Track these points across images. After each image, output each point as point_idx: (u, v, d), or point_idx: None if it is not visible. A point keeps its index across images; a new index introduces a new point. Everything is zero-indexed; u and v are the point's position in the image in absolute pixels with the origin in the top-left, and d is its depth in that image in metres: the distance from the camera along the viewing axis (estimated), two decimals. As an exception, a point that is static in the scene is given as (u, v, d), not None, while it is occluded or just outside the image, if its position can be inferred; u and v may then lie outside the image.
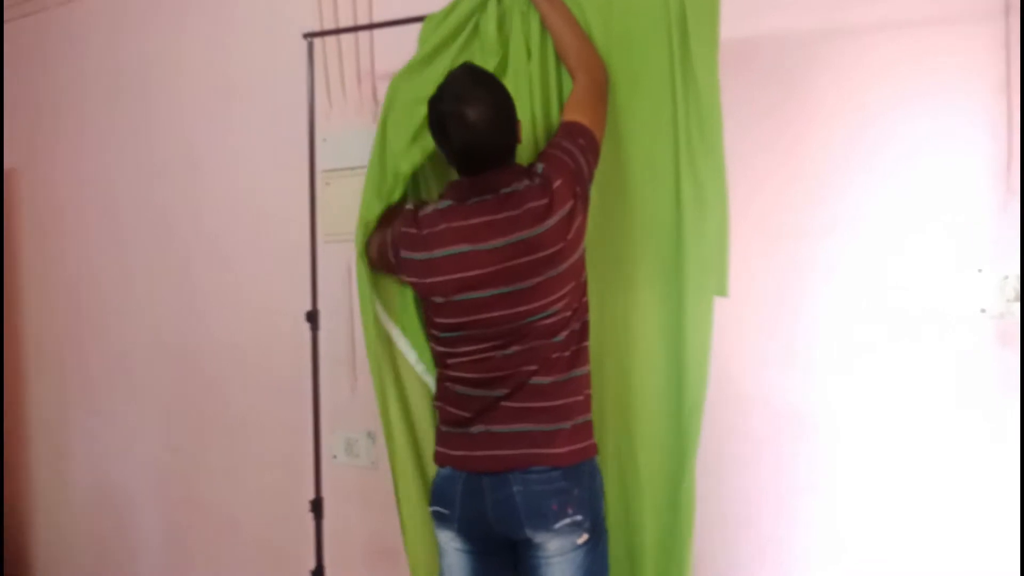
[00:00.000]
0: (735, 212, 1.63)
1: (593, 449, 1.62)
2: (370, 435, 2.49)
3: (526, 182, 1.54)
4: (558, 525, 1.53)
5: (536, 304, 1.53)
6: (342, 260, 2.38)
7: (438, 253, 1.57)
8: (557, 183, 1.52)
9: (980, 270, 1.70)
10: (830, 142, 1.84)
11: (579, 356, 1.61)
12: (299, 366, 2.21)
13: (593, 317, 1.67)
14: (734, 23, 1.68)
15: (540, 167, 1.56)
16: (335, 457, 2.55)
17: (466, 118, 1.49)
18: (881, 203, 1.80)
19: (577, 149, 1.56)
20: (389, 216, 1.78)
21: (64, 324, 3.41)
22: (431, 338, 1.71)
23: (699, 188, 1.60)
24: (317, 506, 2.13)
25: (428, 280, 1.60)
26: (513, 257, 1.51)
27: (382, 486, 2.07)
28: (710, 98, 1.57)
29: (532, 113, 1.74)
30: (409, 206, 1.69)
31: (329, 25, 2.43)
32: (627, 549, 1.75)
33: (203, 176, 2.88)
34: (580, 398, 1.60)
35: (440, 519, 1.65)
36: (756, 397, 1.92)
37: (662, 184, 1.65)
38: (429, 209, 1.62)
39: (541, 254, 1.51)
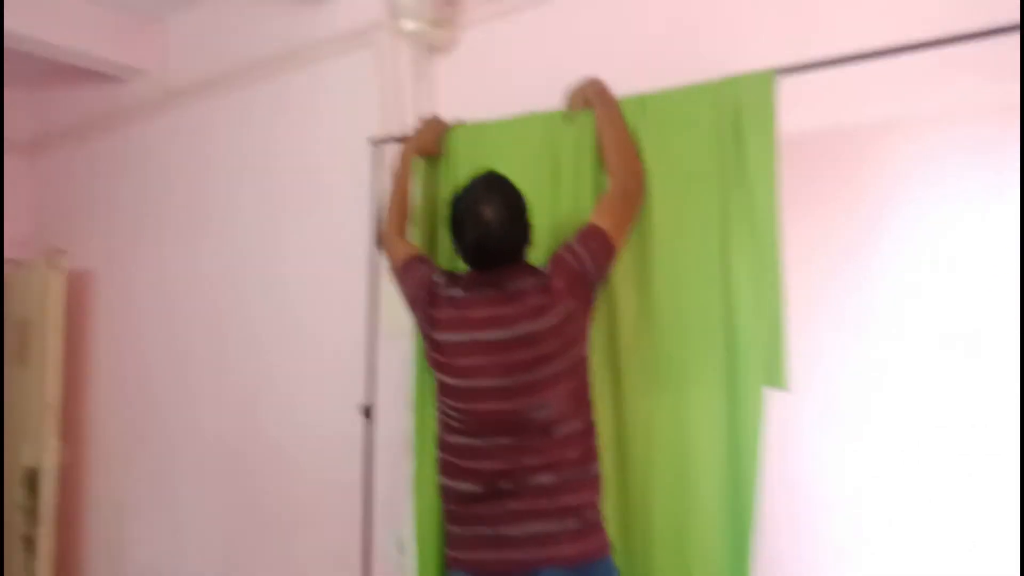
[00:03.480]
0: (797, 305, 1.61)
1: (607, 547, 1.60)
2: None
3: (531, 280, 1.61)
4: None
5: (533, 399, 1.57)
6: (399, 355, 2.42)
7: (445, 337, 1.64)
8: (559, 284, 1.58)
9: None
10: (884, 231, 1.83)
11: (586, 455, 1.61)
12: (354, 462, 2.21)
13: (642, 418, 1.69)
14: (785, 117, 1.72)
15: (543, 268, 1.64)
16: (393, 554, 2.50)
17: (481, 217, 1.59)
18: (936, 300, 1.76)
19: (587, 252, 1.61)
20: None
21: (130, 419, 3.51)
22: (439, 413, 1.72)
23: (755, 283, 1.60)
24: (368, 606, 2.09)
25: (439, 357, 1.66)
26: (512, 351, 1.57)
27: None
28: (766, 191, 1.59)
29: (556, 219, 1.82)
30: (437, 277, 1.74)
31: (394, 131, 2.56)
32: None
33: (277, 274, 2.99)
34: (590, 497, 1.59)
35: None
36: (828, 503, 1.84)
37: (710, 281, 1.66)
38: (443, 293, 1.68)
39: (538, 351, 1.56)
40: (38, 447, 3.32)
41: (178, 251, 3.37)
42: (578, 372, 1.62)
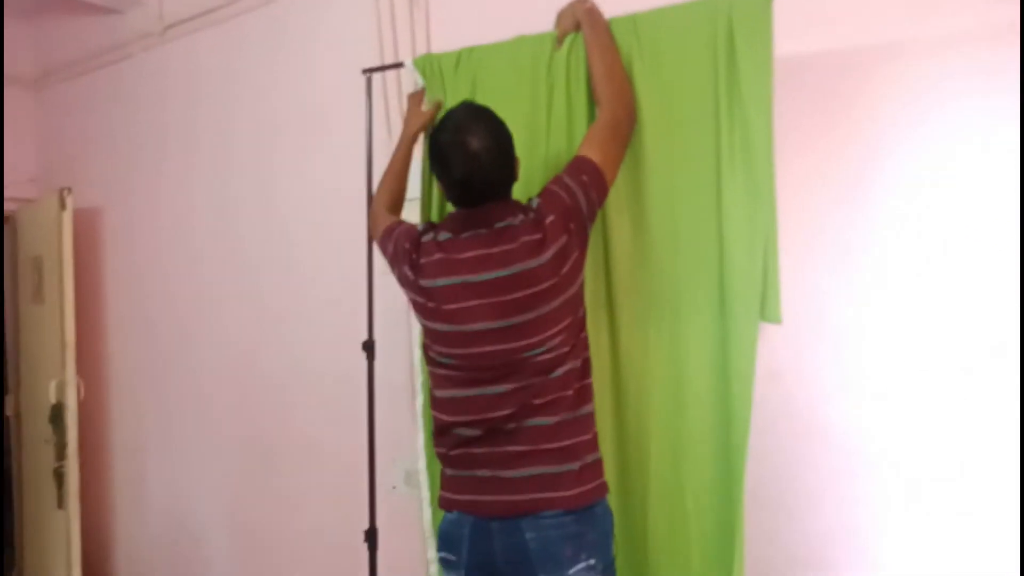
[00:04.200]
0: (792, 239, 1.56)
1: (604, 489, 1.57)
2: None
3: (521, 217, 1.53)
4: (572, 570, 1.48)
5: (532, 340, 1.50)
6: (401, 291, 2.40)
7: (432, 283, 1.57)
8: (550, 219, 1.51)
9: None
10: (887, 161, 1.76)
11: (582, 394, 1.56)
12: (359, 395, 2.22)
13: (638, 350, 1.66)
14: (781, 42, 1.63)
15: (536, 202, 1.55)
16: (395, 488, 2.54)
17: (467, 148, 1.50)
18: (946, 222, 1.70)
19: (578, 186, 1.54)
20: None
21: (143, 352, 3.57)
22: (429, 362, 1.67)
23: (748, 214, 1.54)
24: (372, 536, 2.12)
25: (426, 303, 1.58)
26: (508, 291, 1.50)
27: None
28: (760, 118, 1.52)
29: (550, 150, 1.75)
30: (418, 225, 1.69)
31: (389, 60, 2.48)
32: None
33: (274, 209, 2.98)
34: (587, 437, 1.56)
35: (447, 566, 1.61)
36: (826, 431, 1.82)
37: (705, 212, 1.61)
38: (428, 237, 1.62)
39: (536, 288, 1.49)
40: (60, 384, 3.39)
41: (177, 185, 3.36)
42: (574, 309, 1.56)
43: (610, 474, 1.64)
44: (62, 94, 3.94)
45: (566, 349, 1.53)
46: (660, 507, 1.68)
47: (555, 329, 1.51)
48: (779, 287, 1.54)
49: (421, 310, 1.61)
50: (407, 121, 1.99)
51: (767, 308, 1.54)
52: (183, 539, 3.39)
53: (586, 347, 1.60)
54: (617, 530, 1.61)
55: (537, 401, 1.52)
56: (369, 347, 2.17)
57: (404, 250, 1.64)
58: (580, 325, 1.59)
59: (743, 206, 1.55)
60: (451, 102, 1.81)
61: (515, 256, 1.49)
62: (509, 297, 1.49)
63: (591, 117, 1.71)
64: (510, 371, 1.53)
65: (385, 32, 2.52)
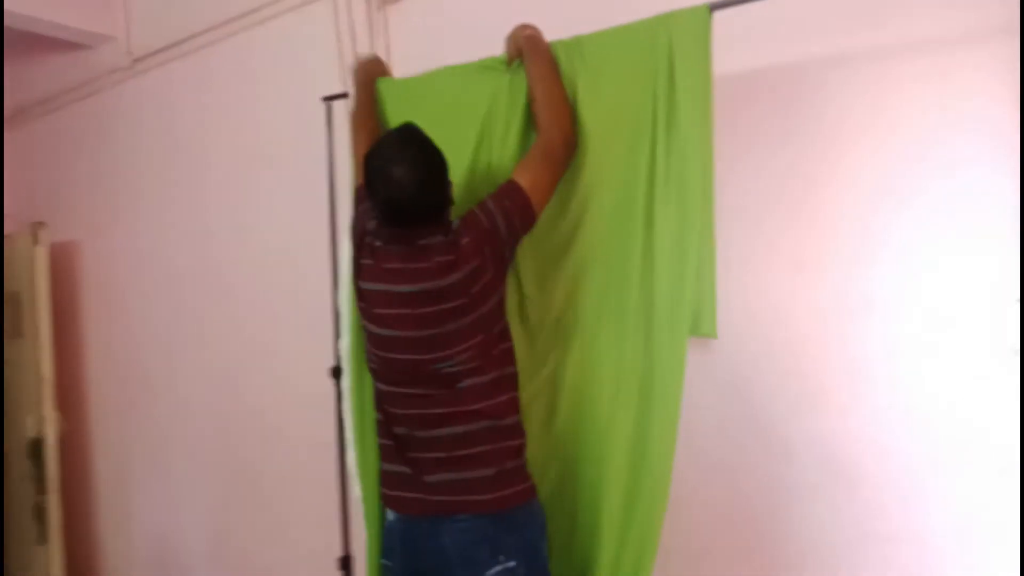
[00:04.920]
0: (757, 248, 1.61)
1: (527, 494, 1.61)
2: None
3: (439, 237, 1.58)
4: (490, 572, 1.53)
5: (439, 353, 1.57)
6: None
7: (365, 285, 1.64)
8: (465, 240, 1.56)
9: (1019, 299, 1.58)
10: (846, 172, 1.77)
11: (499, 408, 1.60)
12: (328, 423, 2.23)
13: (550, 367, 1.73)
14: (734, 56, 1.66)
15: (455, 224, 1.60)
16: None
17: (392, 175, 1.54)
18: (907, 229, 1.71)
19: (499, 210, 1.59)
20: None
21: (125, 384, 3.57)
22: (368, 361, 1.73)
23: (679, 230, 1.56)
24: (346, 564, 2.13)
25: (360, 302, 1.67)
26: (419, 305, 1.56)
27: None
28: (697, 132, 1.53)
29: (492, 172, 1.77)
30: (369, 223, 1.70)
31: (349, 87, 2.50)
32: None
33: (247, 236, 2.99)
34: (506, 444, 1.60)
35: (387, 573, 1.68)
36: (796, 443, 1.82)
37: (634, 229, 1.63)
38: (370, 238, 1.66)
39: (445, 305, 1.55)
40: (39, 419, 3.39)
41: (152, 217, 3.37)
42: (487, 327, 1.60)
43: (544, 480, 1.69)
44: (35, 131, 3.95)
45: (474, 364, 1.58)
46: (585, 514, 1.70)
47: (463, 345, 1.57)
48: (715, 303, 1.55)
49: (360, 307, 1.69)
50: (357, 69, 2.02)
51: (703, 323, 1.55)
52: (170, 569, 3.37)
53: (502, 363, 1.63)
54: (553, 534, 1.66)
55: (443, 410, 1.59)
56: (337, 372, 2.18)
57: (355, 240, 1.72)
58: (494, 341, 1.62)
59: (674, 222, 1.57)
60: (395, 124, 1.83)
61: (427, 274, 1.56)
62: (420, 311, 1.56)
63: (530, 141, 1.73)
64: (419, 380, 1.60)
65: (347, 58, 2.55)
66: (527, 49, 1.72)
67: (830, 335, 1.78)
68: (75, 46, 3.52)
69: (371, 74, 1.99)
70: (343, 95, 2.20)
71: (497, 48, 1.83)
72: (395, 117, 1.91)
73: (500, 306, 1.63)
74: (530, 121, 1.73)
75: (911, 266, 1.70)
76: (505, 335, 1.66)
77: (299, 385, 2.76)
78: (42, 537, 3.40)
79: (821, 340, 1.79)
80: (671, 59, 1.56)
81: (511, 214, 1.59)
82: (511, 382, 1.65)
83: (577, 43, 1.70)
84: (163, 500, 3.41)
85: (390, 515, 1.69)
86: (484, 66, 1.82)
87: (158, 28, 3.21)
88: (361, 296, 1.67)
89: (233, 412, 3.07)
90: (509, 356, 1.66)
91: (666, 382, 1.57)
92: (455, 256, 1.55)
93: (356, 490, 1.98)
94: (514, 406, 1.64)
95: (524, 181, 1.61)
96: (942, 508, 1.66)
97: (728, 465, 1.88)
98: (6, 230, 3.93)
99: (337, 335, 2.18)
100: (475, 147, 1.78)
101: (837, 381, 1.77)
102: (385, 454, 1.70)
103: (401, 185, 1.54)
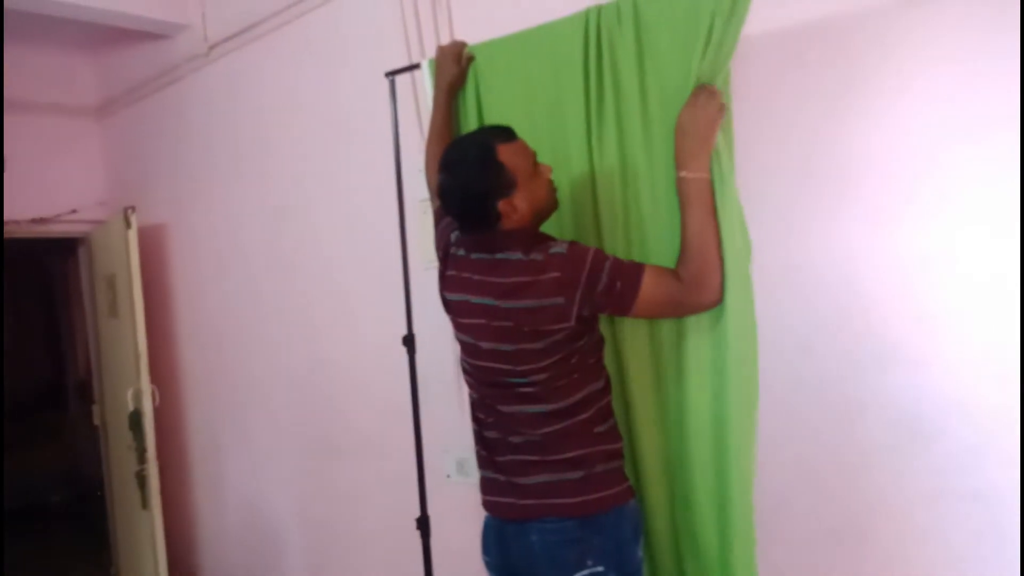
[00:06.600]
0: (824, 207, 1.60)
1: (615, 499, 1.57)
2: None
3: (519, 255, 1.52)
4: (577, 575, 1.53)
5: (516, 368, 1.56)
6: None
7: (450, 296, 1.66)
8: (553, 275, 1.48)
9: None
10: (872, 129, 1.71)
11: (587, 418, 1.58)
12: (406, 389, 2.29)
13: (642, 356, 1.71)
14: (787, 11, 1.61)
15: (556, 250, 1.50)
16: (448, 476, 2.61)
17: (443, 184, 1.56)
18: (974, 182, 1.63)
19: (607, 279, 1.48)
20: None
21: (211, 357, 3.76)
22: (463, 368, 1.74)
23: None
24: (424, 524, 2.19)
25: (448, 312, 1.69)
26: (494, 318, 1.55)
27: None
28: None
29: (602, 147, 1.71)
30: (453, 233, 1.71)
31: (417, 61, 2.53)
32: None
33: (315, 214, 3.08)
34: (595, 450, 1.58)
35: (487, 567, 1.73)
36: (864, 401, 1.78)
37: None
38: (453, 249, 1.68)
39: (512, 325, 1.53)
40: (136, 392, 3.60)
41: (230, 197, 3.51)
42: (568, 347, 1.54)
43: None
44: (123, 119, 4.17)
45: (562, 382, 1.55)
46: (681, 511, 1.71)
47: (539, 364, 1.54)
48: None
49: (449, 317, 1.71)
50: (437, 77, 1.95)
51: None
52: (259, 533, 3.56)
53: (587, 378, 1.59)
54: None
55: (529, 415, 1.59)
56: (409, 341, 2.24)
57: (440, 255, 1.74)
58: (578, 358, 1.56)
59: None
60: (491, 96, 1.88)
61: (499, 290, 1.54)
62: (495, 324, 1.56)
63: (645, 116, 1.64)
64: (504, 390, 1.61)
65: (411, 33, 2.58)
66: (694, 192, 1.52)
67: (898, 292, 1.73)
68: (155, 37, 3.69)
69: (452, 83, 1.92)
70: (407, 68, 2.22)
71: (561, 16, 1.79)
72: (493, 80, 1.88)
73: (582, 333, 1.55)
74: (661, 81, 1.62)
75: (978, 219, 1.62)
76: (590, 349, 1.60)
77: (373, 354, 2.85)
78: (145, 503, 3.63)
79: (890, 298, 1.74)
80: (712, 24, 1.50)
81: (610, 293, 1.49)
82: (598, 395, 1.61)
83: (632, 4, 1.65)
84: (249, 467, 3.59)
85: (488, 516, 1.72)
86: (570, 23, 1.74)
87: (230, 14, 3.32)
88: (447, 307, 1.69)
89: (310, 382, 3.19)
90: (594, 371, 1.61)
91: (741, 356, 1.55)
92: (531, 279, 1.49)
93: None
94: (602, 414, 1.61)
95: (646, 286, 1.48)
96: (1017, 466, 1.59)
97: (802, 423, 1.85)
98: (102, 216, 4.17)
99: (408, 305, 2.23)
100: (568, 117, 1.73)
101: (908, 338, 1.71)
102: (480, 462, 1.72)
103: (445, 195, 1.57)
